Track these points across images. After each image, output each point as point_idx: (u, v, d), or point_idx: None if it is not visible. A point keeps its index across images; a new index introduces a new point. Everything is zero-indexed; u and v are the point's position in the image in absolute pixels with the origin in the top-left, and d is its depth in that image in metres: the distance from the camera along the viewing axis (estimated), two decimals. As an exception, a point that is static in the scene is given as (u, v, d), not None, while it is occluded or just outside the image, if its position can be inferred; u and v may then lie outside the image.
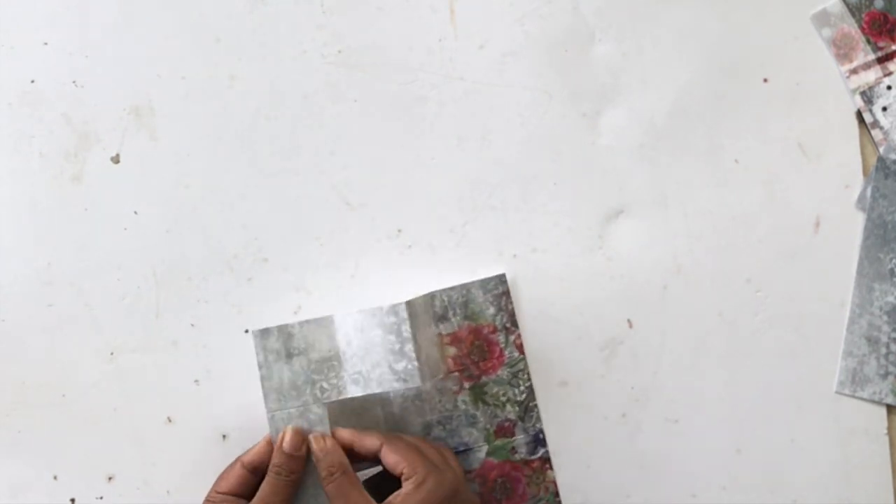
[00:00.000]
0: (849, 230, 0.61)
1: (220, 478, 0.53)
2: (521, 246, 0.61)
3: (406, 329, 0.48)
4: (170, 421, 0.60)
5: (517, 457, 0.55)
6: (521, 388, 0.53)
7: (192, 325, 0.60)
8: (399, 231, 0.61)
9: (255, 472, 0.52)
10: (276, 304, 0.60)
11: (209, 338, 0.60)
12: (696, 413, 0.61)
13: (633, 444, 0.61)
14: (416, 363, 0.48)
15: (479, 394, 0.52)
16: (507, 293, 0.52)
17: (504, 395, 0.52)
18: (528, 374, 0.52)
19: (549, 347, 0.61)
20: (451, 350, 0.51)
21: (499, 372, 0.52)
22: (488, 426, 0.52)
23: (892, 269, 0.60)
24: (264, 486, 0.50)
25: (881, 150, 0.61)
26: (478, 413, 0.52)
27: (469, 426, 0.52)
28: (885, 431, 0.61)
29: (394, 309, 0.48)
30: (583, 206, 0.61)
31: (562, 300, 0.61)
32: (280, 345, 0.51)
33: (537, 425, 0.52)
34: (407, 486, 0.48)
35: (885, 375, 0.60)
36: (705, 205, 0.62)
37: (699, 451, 0.61)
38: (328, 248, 0.61)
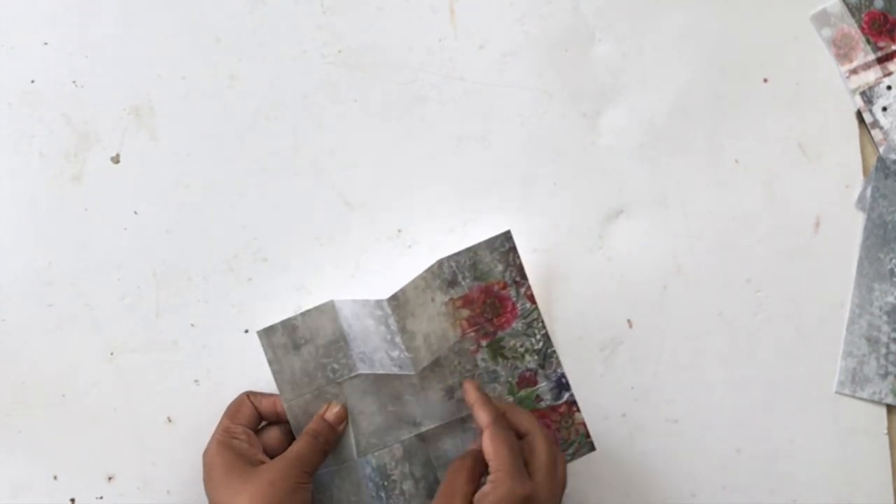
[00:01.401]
0: (849, 230, 0.61)
1: (233, 411, 0.55)
2: (521, 246, 0.61)
3: (392, 322, 0.49)
4: (170, 421, 0.60)
5: (543, 404, 0.56)
6: (538, 336, 0.54)
7: (192, 324, 0.60)
8: (399, 231, 0.61)
9: (261, 418, 0.55)
10: (276, 303, 0.60)
11: (209, 338, 0.60)
12: (696, 413, 0.61)
13: (633, 444, 0.61)
14: (406, 354, 0.49)
15: (496, 349, 0.53)
16: (513, 249, 0.53)
17: (521, 346, 0.53)
18: (543, 322, 0.53)
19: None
20: (465, 312, 0.52)
21: (514, 325, 0.53)
22: (510, 379, 0.53)
23: (892, 269, 0.60)
24: (301, 444, 0.52)
25: (881, 150, 0.61)
26: (498, 368, 0.53)
27: (492, 382, 0.53)
28: (885, 431, 0.61)
29: (379, 304, 0.49)
30: (583, 206, 0.61)
31: (562, 300, 0.61)
32: (286, 338, 0.52)
33: (558, 370, 0.53)
34: (485, 488, 0.48)
35: (885, 375, 0.60)
36: (705, 205, 0.62)
37: (699, 451, 0.61)
38: (328, 248, 0.61)
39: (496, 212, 0.61)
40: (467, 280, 0.52)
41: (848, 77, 0.62)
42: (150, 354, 0.60)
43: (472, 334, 0.53)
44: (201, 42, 0.61)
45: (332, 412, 0.53)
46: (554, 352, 0.53)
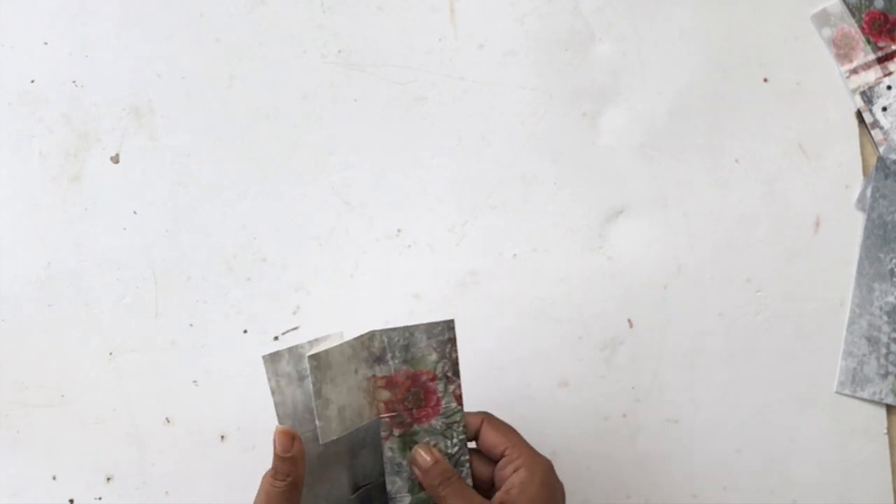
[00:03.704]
0: (849, 230, 0.61)
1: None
2: (521, 246, 0.61)
3: (308, 384, 0.45)
4: (168, 421, 0.60)
5: None
6: (455, 440, 0.49)
7: (191, 324, 0.60)
8: (399, 231, 0.61)
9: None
10: (276, 303, 0.60)
11: (208, 338, 0.60)
12: (696, 413, 0.61)
13: (633, 444, 0.61)
14: (317, 422, 0.45)
15: (408, 442, 0.49)
16: (452, 340, 0.48)
17: (435, 446, 0.49)
18: (464, 427, 0.49)
19: (549, 347, 0.61)
20: (384, 394, 0.47)
21: (433, 421, 0.49)
22: (414, 477, 0.49)
23: (892, 269, 0.60)
24: (259, 493, 0.46)
25: (881, 150, 0.61)
26: (404, 462, 0.49)
27: (393, 475, 0.49)
28: (885, 431, 0.60)
29: (306, 359, 0.45)
30: (583, 206, 0.61)
31: (562, 300, 0.61)
32: (291, 367, 0.47)
33: (468, 481, 0.49)
34: (520, 475, 0.46)
35: (885, 375, 0.60)
36: (705, 205, 0.62)
37: (699, 451, 0.61)
38: (328, 248, 0.61)
39: (496, 212, 0.61)
40: (395, 361, 0.48)
41: (848, 77, 0.62)
42: (149, 354, 0.60)
43: (388, 419, 0.48)
44: (201, 42, 0.61)
45: (277, 443, 0.46)
46: (468, 460, 0.49)
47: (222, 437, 0.60)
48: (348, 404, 0.47)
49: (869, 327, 0.60)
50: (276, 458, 0.46)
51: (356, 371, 0.47)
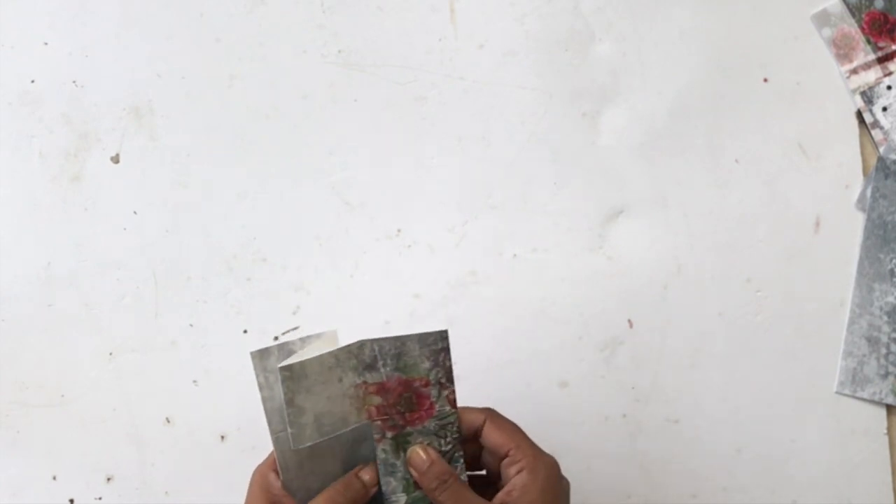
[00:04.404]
0: (849, 230, 0.61)
1: None
2: (521, 246, 0.61)
3: (280, 393, 0.45)
4: (168, 421, 0.60)
5: None
6: (449, 439, 0.48)
7: (191, 325, 0.60)
8: (399, 231, 0.61)
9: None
10: (276, 303, 0.60)
11: (208, 338, 0.60)
12: (696, 413, 0.61)
13: (633, 444, 0.60)
14: (289, 429, 0.45)
15: (401, 443, 0.48)
16: (446, 350, 0.47)
17: (428, 444, 0.49)
18: (458, 427, 0.49)
19: (549, 347, 0.61)
20: (376, 399, 0.47)
21: (426, 423, 0.49)
22: (408, 476, 0.48)
23: (892, 269, 0.60)
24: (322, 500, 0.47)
25: (881, 150, 0.61)
26: (398, 463, 0.49)
27: (387, 475, 0.49)
28: (885, 431, 0.60)
29: (278, 370, 0.45)
30: (583, 206, 0.61)
31: (562, 300, 0.61)
32: (280, 364, 0.47)
33: (462, 477, 0.49)
34: (522, 477, 0.45)
35: (885, 375, 0.60)
36: (705, 205, 0.62)
37: (699, 451, 0.61)
38: (327, 248, 0.61)
39: (496, 212, 0.61)
40: (387, 368, 0.47)
41: (848, 77, 0.62)
42: (149, 354, 0.60)
43: (379, 423, 0.47)
44: (201, 42, 0.61)
45: (368, 472, 0.48)
46: (461, 455, 0.49)
47: (222, 437, 0.60)
48: (328, 411, 0.46)
49: (869, 327, 0.60)
50: (360, 483, 0.47)
51: (340, 380, 0.47)
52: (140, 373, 0.60)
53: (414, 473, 0.47)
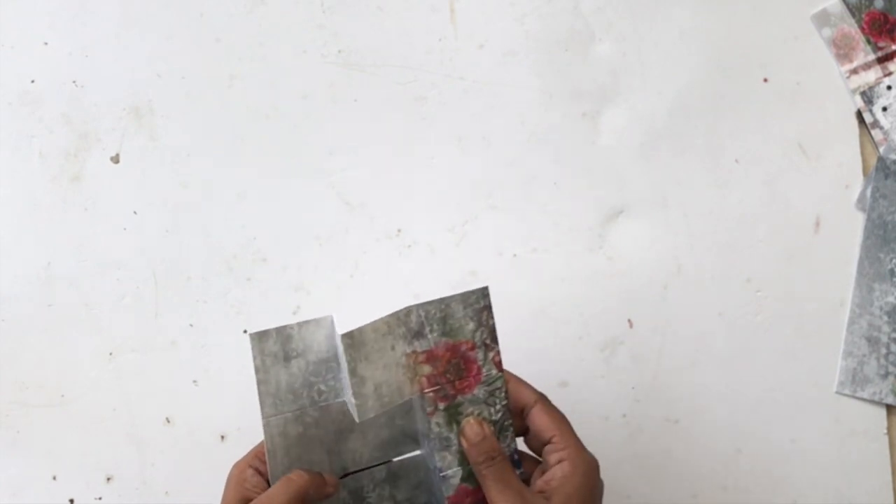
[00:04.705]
0: (849, 230, 0.61)
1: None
2: (521, 246, 0.61)
3: (344, 361, 0.45)
4: (168, 421, 0.60)
5: None
6: (498, 406, 0.48)
7: (191, 325, 0.60)
8: (399, 231, 0.61)
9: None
10: (276, 303, 0.60)
11: (208, 338, 0.60)
12: (696, 413, 0.61)
13: (633, 444, 0.60)
14: (352, 399, 0.46)
15: (453, 414, 0.48)
16: (488, 307, 0.48)
17: (479, 414, 0.49)
18: (506, 392, 0.49)
19: (549, 347, 0.60)
20: (426, 369, 0.47)
21: (475, 391, 0.49)
22: (462, 449, 0.49)
23: (892, 269, 0.60)
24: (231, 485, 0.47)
25: (881, 150, 0.61)
26: (451, 435, 0.48)
27: (443, 450, 0.49)
28: (885, 431, 0.60)
29: (338, 337, 0.45)
30: (583, 206, 0.61)
31: (562, 300, 0.61)
32: (278, 347, 0.47)
33: (512, 445, 0.48)
34: (563, 467, 0.45)
35: (885, 375, 0.60)
36: (705, 205, 0.62)
37: (699, 451, 0.61)
38: (327, 248, 0.61)
39: (496, 212, 0.61)
40: (434, 334, 0.48)
41: (848, 77, 0.62)
42: (149, 354, 0.60)
43: (431, 394, 0.47)
44: (201, 42, 0.61)
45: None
46: (511, 424, 0.49)
47: (222, 437, 0.60)
48: (385, 381, 0.47)
49: (869, 327, 0.60)
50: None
51: (392, 348, 0.47)
52: (140, 373, 0.60)
53: (464, 443, 0.47)
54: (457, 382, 0.48)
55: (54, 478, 0.59)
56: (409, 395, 0.47)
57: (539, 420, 0.47)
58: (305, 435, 0.48)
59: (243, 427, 0.60)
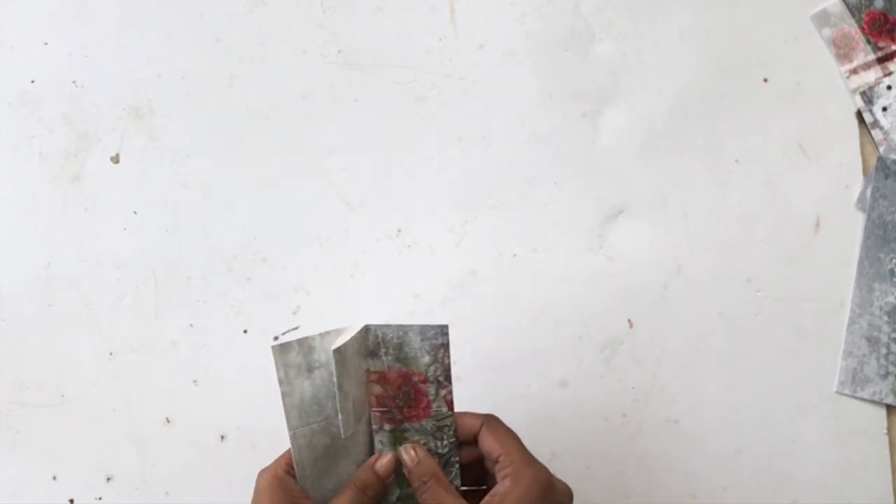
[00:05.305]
0: (849, 230, 0.61)
1: None
2: (521, 246, 0.61)
3: (317, 376, 0.46)
4: (168, 421, 0.60)
5: None
6: (445, 441, 0.48)
7: (191, 325, 0.60)
8: (399, 231, 0.61)
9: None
10: (276, 304, 0.60)
11: (208, 338, 0.60)
12: (696, 413, 0.61)
13: (633, 444, 0.60)
14: (339, 416, 0.45)
15: (399, 437, 0.49)
16: (446, 346, 0.47)
17: (425, 444, 0.49)
18: (455, 430, 0.49)
19: (549, 347, 0.61)
20: (377, 388, 0.47)
21: (423, 422, 0.49)
22: (402, 471, 0.49)
23: (892, 269, 0.60)
24: (345, 499, 0.47)
25: (881, 150, 0.61)
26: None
27: None
28: (885, 431, 0.60)
29: (315, 352, 0.46)
30: (583, 206, 0.61)
31: (562, 300, 0.61)
32: (301, 359, 0.47)
33: (455, 482, 0.49)
34: (504, 484, 0.45)
35: (885, 375, 0.60)
36: (705, 205, 0.62)
37: (699, 451, 0.61)
38: (328, 248, 0.61)
39: (496, 212, 0.61)
40: (389, 357, 0.48)
41: (848, 77, 0.62)
42: (149, 354, 0.60)
43: (378, 414, 0.48)
44: (201, 42, 0.61)
45: (382, 463, 0.48)
46: (457, 461, 0.49)
47: (222, 437, 0.60)
48: (356, 396, 0.47)
49: (869, 327, 0.60)
50: (375, 476, 0.47)
51: (359, 365, 0.47)
52: (140, 373, 0.60)
53: (404, 469, 0.48)
54: (405, 409, 0.48)
55: (54, 478, 0.59)
56: (365, 414, 0.47)
57: (486, 442, 0.47)
58: (333, 446, 0.47)
59: (243, 427, 0.60)
